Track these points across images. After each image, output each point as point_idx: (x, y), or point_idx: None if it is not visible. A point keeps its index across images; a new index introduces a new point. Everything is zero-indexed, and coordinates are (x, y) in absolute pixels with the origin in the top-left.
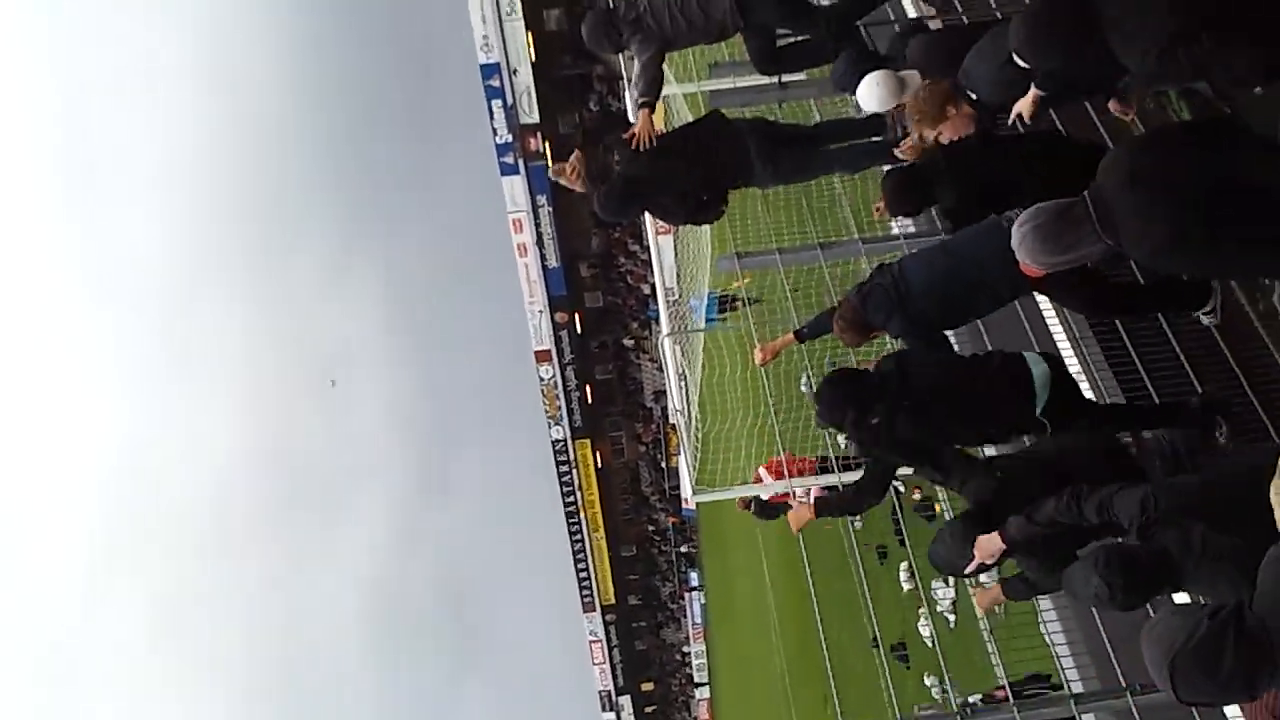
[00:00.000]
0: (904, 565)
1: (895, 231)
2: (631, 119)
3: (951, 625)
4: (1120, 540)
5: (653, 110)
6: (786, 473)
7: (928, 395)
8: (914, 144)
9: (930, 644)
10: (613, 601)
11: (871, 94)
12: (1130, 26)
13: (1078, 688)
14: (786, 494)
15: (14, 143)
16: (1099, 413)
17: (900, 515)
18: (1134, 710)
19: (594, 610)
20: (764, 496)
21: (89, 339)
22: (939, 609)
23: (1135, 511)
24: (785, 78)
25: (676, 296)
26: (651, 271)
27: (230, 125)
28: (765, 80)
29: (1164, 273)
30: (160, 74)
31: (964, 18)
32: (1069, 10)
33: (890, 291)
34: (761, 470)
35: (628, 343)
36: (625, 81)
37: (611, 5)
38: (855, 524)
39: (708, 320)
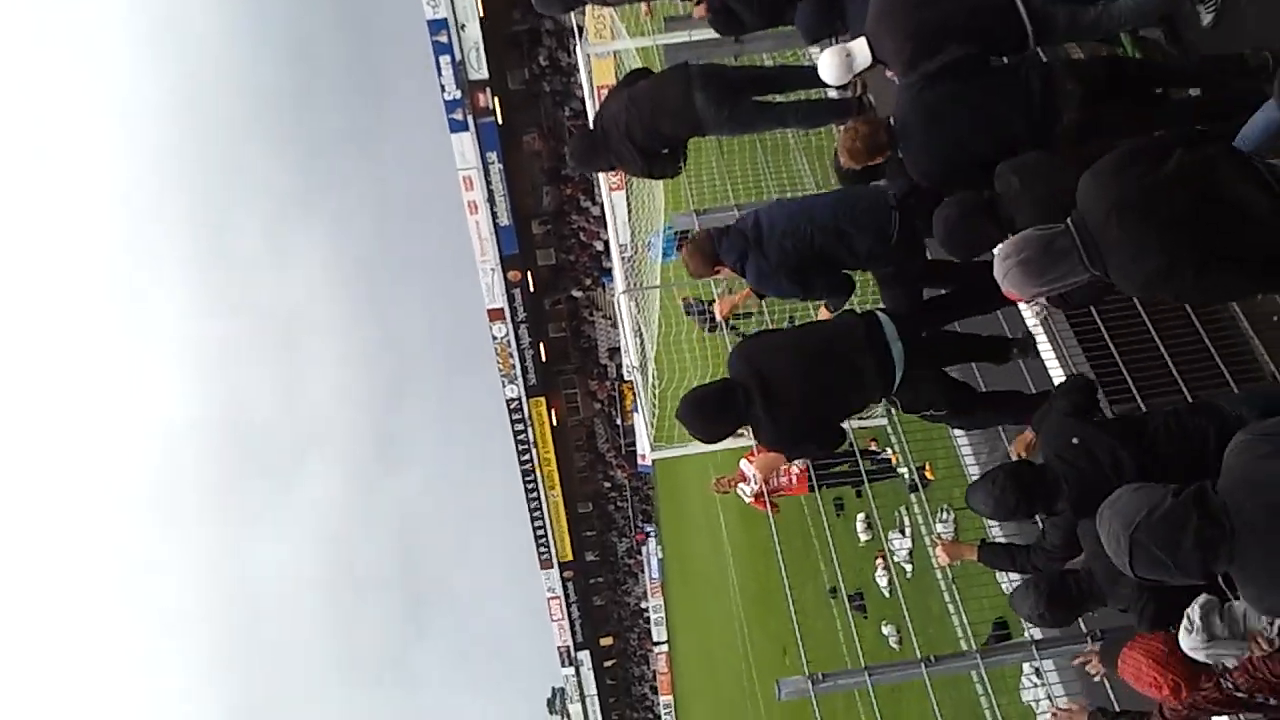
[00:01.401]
0: (860, 517)
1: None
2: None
3: (909, 575)
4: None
5: None
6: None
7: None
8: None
9: (888, 594)
10: (570, 558)
11: (826, 71)
12: None
13: (1038, 634)
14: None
15: None
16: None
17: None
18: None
19: (551, 567)
20: (747, 498)
21: (33, 306)
22: (896, 559)
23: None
24: None
25: (631, 253)
26: (605, 228)
27: (172, 84)
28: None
29: (1151, 299)
30: (99, 30)
31: None
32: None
33: (746, 234)
34: (744, 463)
35: (580, 297)
36: (574, 36)
37: None
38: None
39: (665, 256)
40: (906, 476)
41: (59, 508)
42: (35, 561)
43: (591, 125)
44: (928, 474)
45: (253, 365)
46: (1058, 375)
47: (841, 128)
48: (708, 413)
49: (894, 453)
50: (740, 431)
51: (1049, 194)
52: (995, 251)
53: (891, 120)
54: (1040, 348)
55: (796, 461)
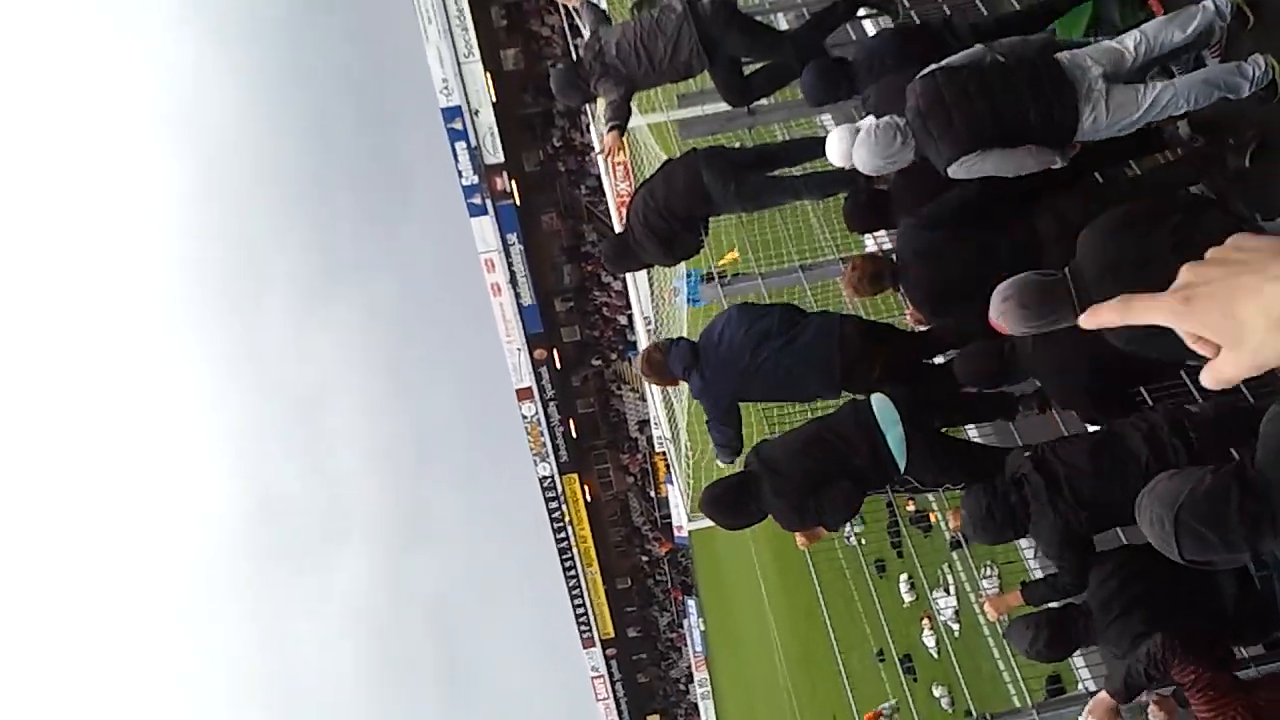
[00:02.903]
0: (904, 577)
1: (871, 248)
2: (597, 146)
3: (956, 635)
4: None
5: (622, 133)
6: None
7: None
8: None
9: (936, 655)
10: (611, 635)
11: (833, 151)
12: None
13: (1092, 686)
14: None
15: None
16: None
17: (898, 527)
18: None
19: (594, 645)
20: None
21: (66, 390)
22: (942, 619)
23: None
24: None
25: (654, 326)
26: (628, 302)
27: (195, 169)
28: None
29: (1143, 355)
30: (129, 121)
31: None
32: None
33: (691, 350)
34: None
35: (607, 372)
36: (588, 115)
37: (576, 57)
38: (850, 539)
39: (693, 302)
40: (947, 535)
41: (89, 604)
42: (70, 658)
43: (620, 228)
44: None
45: (282, 451)
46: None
47: (845, 263)
48: (724, 507)
49: (933, 511)
50: None
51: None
52: (996, 292)
53: (895, 256)
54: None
55: None
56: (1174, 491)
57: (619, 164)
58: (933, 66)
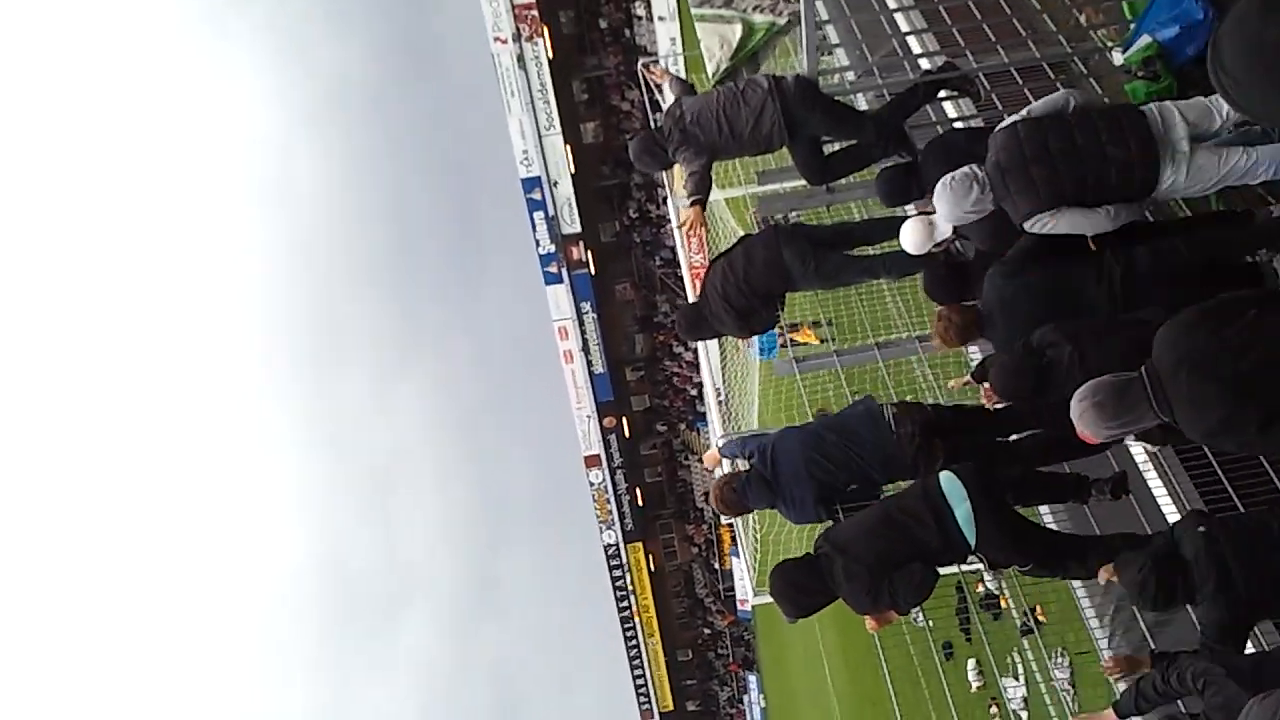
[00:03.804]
0: (971, 663)
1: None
2: (674, 221)
3: None
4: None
5: (703, 207)
6: None
7: None
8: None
9: None
10: (671, 708)
11: (906, 240)
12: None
13: None
14: None
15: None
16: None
17: (967, 611)
18: None
19: (653, 717)
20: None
21: (145, 452)
22: (1011, 706)
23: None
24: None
25: (724, 396)
26: (698, 372)
27: (278, 239)
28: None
29: (1218, 449)
30: (220, 190)
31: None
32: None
33: (764, 485)
34: None
35: (675, 442)
36: (664, 188)
37: (654, 125)
38: (918, 621)
39: (765, 354)
40: (1018, 620)
41: (159, 661)
42: (136, 716)
43: (696, 297)
44: (1039, 616)
45: (354, 515)
46: (1170, 511)
47: (934, 314)
48: (794, 590)
49: (1004, 595)
50: None
51: (1099, 365)
52: (1074, 396)
53: (980, 306)
54: (1151, 482)
55: None
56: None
57: (695, 237)
58: (1014, 117)
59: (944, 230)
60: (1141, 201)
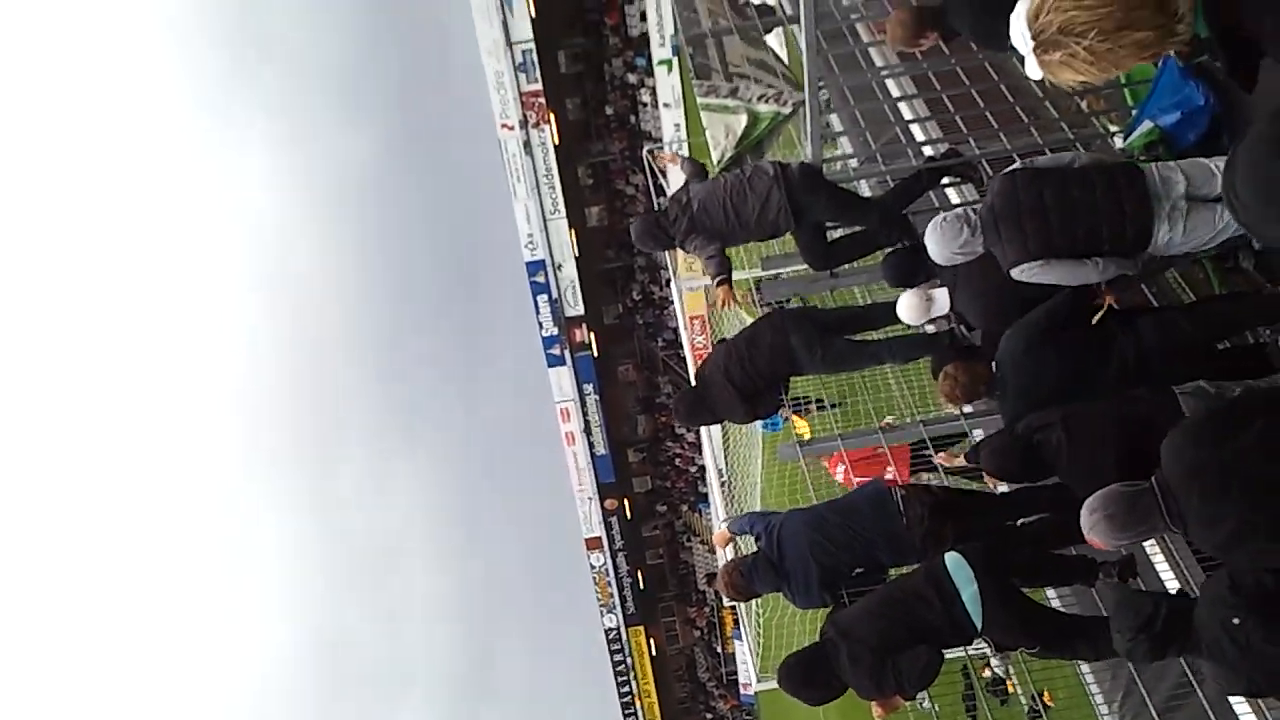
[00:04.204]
0: None
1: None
2: (677, 303)
3: None
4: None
5: (730, 285)
6: None
7: None
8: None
9: None
10: None
11: (903, 311)
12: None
13: None
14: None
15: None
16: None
17: (974, 695)
18: None
19: None
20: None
21: (138, 540)
22: None
23: None
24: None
25: (727, 478)
26: (700, 453)
27: (279, 320)
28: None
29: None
30: (214, 276)
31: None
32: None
33: (770, 568)
34: None
35: (677, 524)
36: (668, 270)
37: (657, 208)
38: (924, 704)
39: (772, 427)
40: (1025, 704)
41: None
42: None
43: (694, 381)
44: (1047, 700)
45: (350, 596)
46: (1175, 589)
47: (940, 374)
48: (801, 680)
49: (1011, 680)
50: None
51: (1087, 448)
52: (1085, 506)
53: (994, 366)
54: (1158, 565)
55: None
56: None
57: (725, 302)
58: (1015, 166)
59: (941, 304)
60: (1135, 257)
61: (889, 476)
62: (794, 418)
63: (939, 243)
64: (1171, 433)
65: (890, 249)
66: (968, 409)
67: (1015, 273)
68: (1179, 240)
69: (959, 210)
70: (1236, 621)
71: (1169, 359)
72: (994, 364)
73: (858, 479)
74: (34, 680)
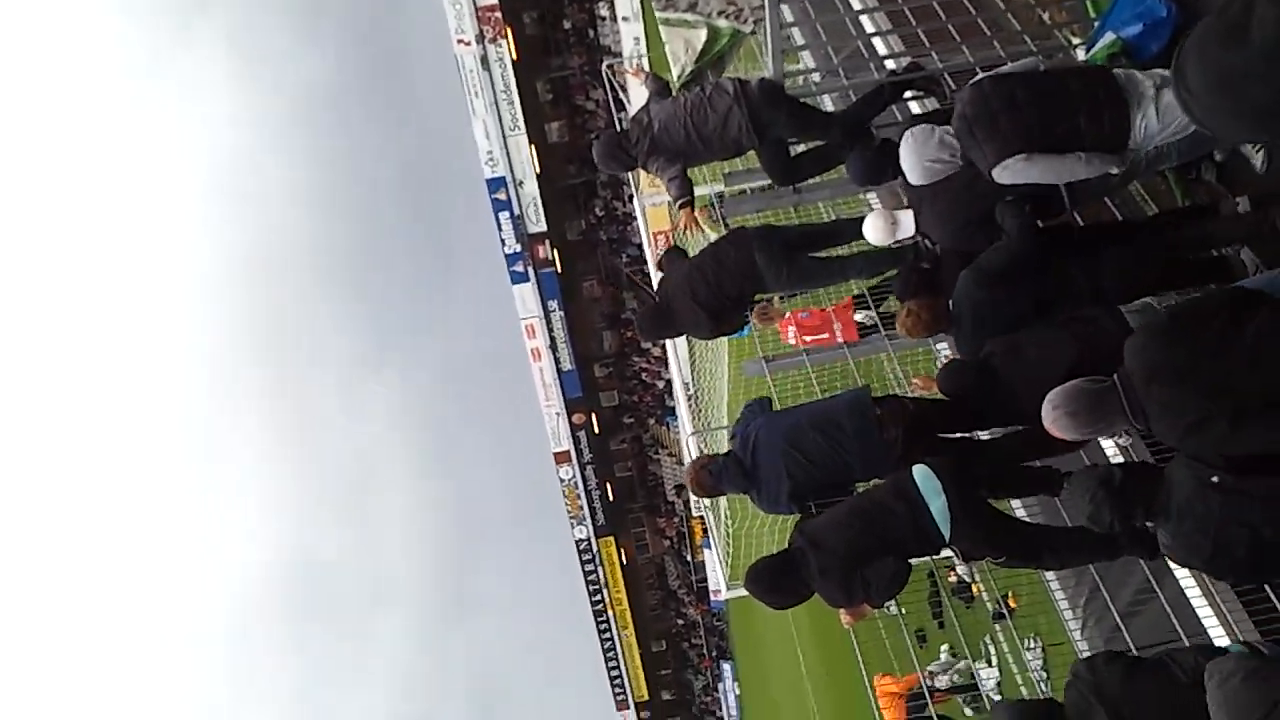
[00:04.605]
0: (944, 648)
1: None
2: (640, 219)
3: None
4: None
5: (693, 207)
6: None
7: None
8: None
9: None
10: (646, 698)
11: (869, 232)
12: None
13: None
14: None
15: (33, 259)
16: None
17: (940, 599)
18: None
19: (628, 708)
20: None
21: (111, 450)
22: (984, 690)
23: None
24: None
25: (693, 391)
26: (666, 367)
27: (247, 243)
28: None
29: (1192, 453)
30: (178, 194)
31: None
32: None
33: (740, 472)
34: None
35: (644, 436)
36: (630, 186)
37: (620, 129)
38: (892, 608)
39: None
40: (990, 607)
41: (130, 659)
42: (102, 715)
43: (655, 297)
44: (1011, 603)
45: (323, 516)
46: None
47: (903, 310)
48: (769, 586)
49: (976, 583)
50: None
51: (1039, 372)
52: (1046, 400)
53: (950, 304)
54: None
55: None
56: (1246, 707)
57: (687, 224)
58: (981, 75)
59: (906, 226)
60: (1121, 153)
61: (838, 338)
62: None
63: (911, 151)
64: (1135, 331)
65: (856, 149)
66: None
67: (998, 171)
68: (1155, 128)
69: (927, 125)
70: (1216, 479)
71: (1125, 284)
72: (950, 302)
73: (807, 339)
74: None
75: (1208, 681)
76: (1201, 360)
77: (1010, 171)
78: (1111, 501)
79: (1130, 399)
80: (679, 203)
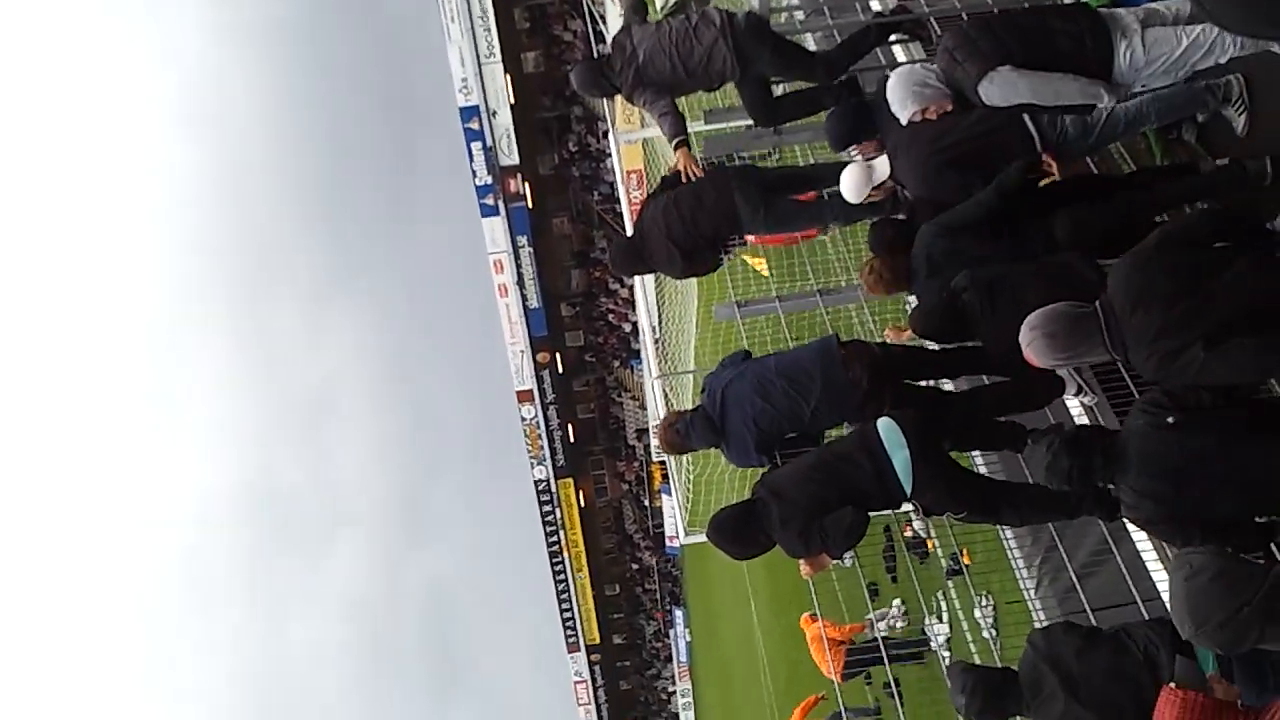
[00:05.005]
0: (896, 602)
1: None
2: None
3: (946, 661)
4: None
5: (689, 146)
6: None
7: None
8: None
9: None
10: (597, 641)
11: (846, 186)
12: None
13: None
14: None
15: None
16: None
17: (894, 553)
18: None
19: (579, 650)
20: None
21: (73, 371)
22: (933, 646)
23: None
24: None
25: (660, 335)
26: (633, 310)
27: (213, 164)
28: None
29: (1165, 383)
30: (145, 114)
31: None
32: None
33: (709, 427)
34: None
35: (608, 379)
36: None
37: (598, 54)
38: (847, 561)
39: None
40: (944, 563)
41: (86, 579)
42: (59, 635)
43: (630, 231)
44: (965, 559)
45: (283, 441)
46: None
47: (865, 266)
48: (731, 535)
49: (931, 539)
50: None
51: (1013, 310)
52: (1025, 322)
53: (911, 258)
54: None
55: None
56: (1209, 605)
57: (685, 166)
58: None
59: (882, 172)
60: (1109, 83)
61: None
62: (750, 259)
63: (899, 83)
64: (1121, 258)
65: (834, 108)
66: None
67: (984, 86)
68: (1142, 59)
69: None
70: (1171, 420)
71: (1080, 239)
72: (912, 255)
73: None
74: None
75: (1174, 573)
76: (1184, 288)
77: (999, 85)
78: (1069, 449)
79: (1110, 325)
80: (674, 141)
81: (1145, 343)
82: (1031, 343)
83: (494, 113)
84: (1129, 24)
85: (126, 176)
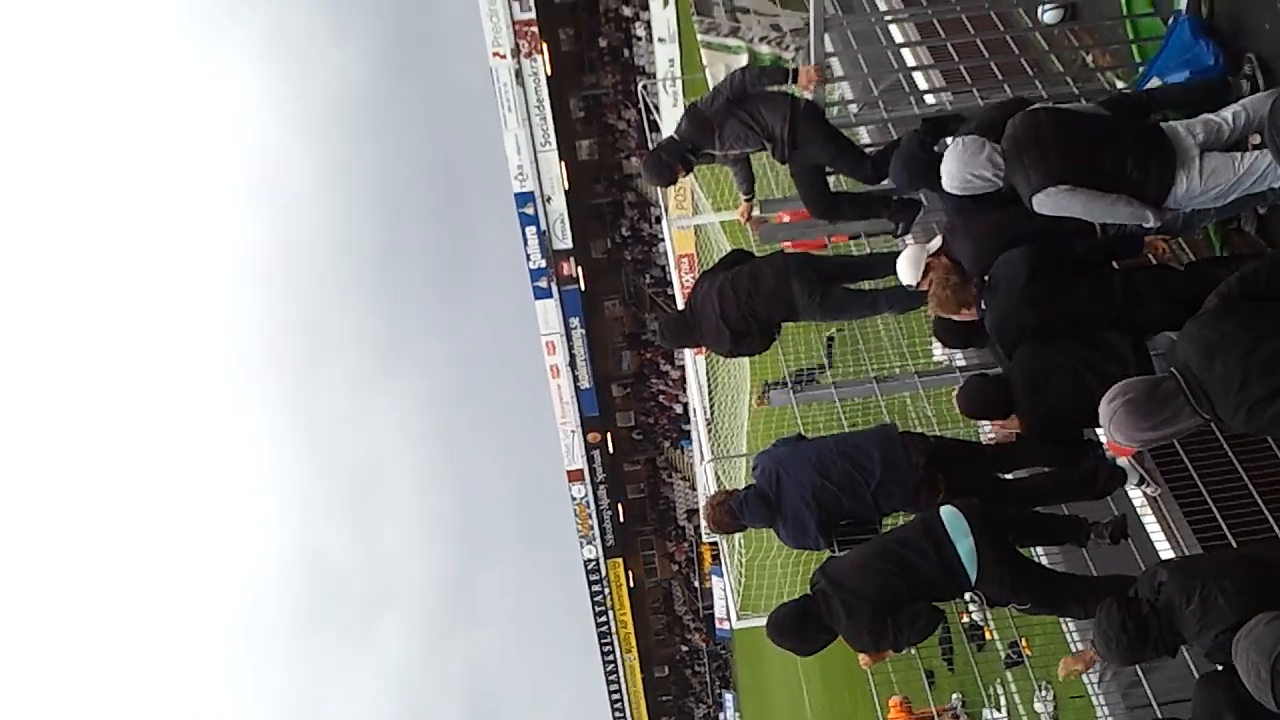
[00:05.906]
0: (955, 696)
1: (944, 360)
2: (668, 240)
3: None
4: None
5: (752, 200)
6: None
7: None
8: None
9: None
10: None
11: (903, 269)
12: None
13: None
14: None
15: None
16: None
17: (950, 640)
18: None
19: None
20: None
21: (127, 448)
22: None
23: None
24: None
25: (711, 417)
26: (684, 390)
27: (270, 245)
28: None
29: (1261, 434)
30: (205, 193)
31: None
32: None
33: (765, 504)
34: None
35: (658, 459)
36: (657, 207)
37: (651, 145)
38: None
39: None
40: (1003, 652)
41: (141, 650)
42: (113, 699)
43: (682, 306)
44: (1025, 649)
45: (333, 518)
46: (1167, 555)
47: (933, 276)
48: (790, 632)
49: (989, 627)
50: None
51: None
52: (1103, 399)
53: (987, 278)
54: (1149, 527)
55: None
56: (1271, 639)
57: (746, 217)
58: (1036, 105)
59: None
60: (1160, 209)
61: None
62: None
63: (956, 158)
64: (1187, 323)
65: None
66: (960, 360)
67: (1039, 198)
68: (1198, 188)
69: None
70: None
71: (1161, 305)
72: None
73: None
74: (18, 596)
75: (1236, 645)
76: (1261, 334)
77: (1052, 200)
78: (1130, 643)
79: (1190, 384)
80: (743, 193)
81: (1233, 392)
82: (1114, 415)
83: (548, 198)
84: (1189, 151)
85: (181, 252)
